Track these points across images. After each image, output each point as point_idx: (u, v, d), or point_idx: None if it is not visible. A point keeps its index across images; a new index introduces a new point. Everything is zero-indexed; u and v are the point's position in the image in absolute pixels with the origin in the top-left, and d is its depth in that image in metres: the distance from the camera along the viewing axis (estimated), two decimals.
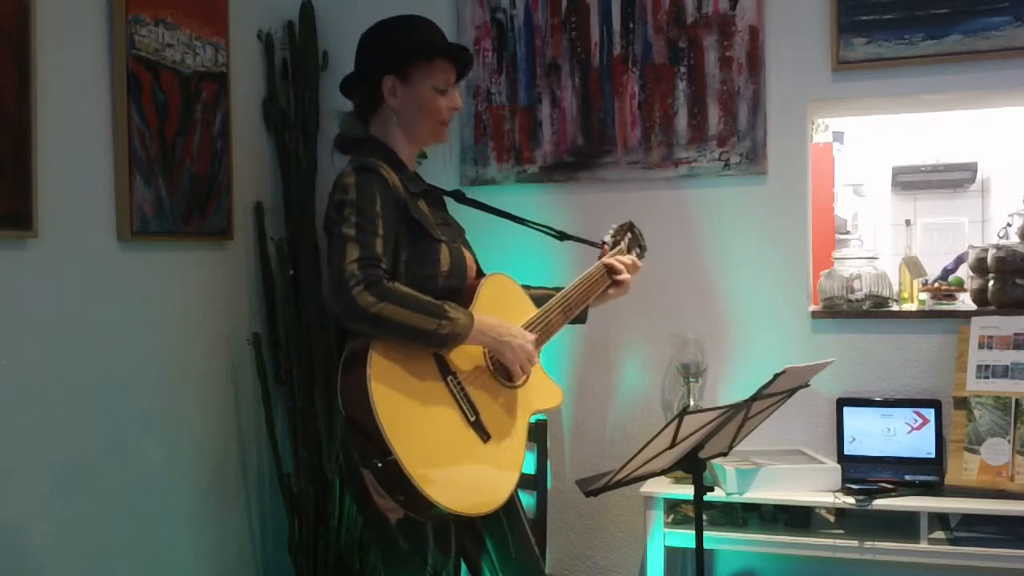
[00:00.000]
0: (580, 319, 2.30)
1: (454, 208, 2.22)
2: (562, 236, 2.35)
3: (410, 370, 1.83)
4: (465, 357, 1.92)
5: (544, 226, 2.35)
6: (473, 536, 2.06)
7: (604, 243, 2.37)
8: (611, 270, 2.28)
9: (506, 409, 1.97)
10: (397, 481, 1.75)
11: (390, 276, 1.83)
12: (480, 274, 2.11)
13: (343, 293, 1.77)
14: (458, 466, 1.84)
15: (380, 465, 1.74)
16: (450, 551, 1.95)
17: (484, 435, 1.89)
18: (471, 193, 2.30)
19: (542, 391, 2.08)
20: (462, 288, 2.00)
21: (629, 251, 2.39)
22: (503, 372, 1.98)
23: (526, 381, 2.02)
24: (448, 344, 1.85)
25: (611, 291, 2.29)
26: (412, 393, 1.82)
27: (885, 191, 4.42)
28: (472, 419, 1.88)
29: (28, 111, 2.27)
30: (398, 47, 2.03)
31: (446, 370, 1.88)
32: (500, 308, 2.01)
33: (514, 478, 1.93)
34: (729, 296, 3.00)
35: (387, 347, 1.81)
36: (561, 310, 2.14)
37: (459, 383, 1.89)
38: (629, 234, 2.43)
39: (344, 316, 1.79)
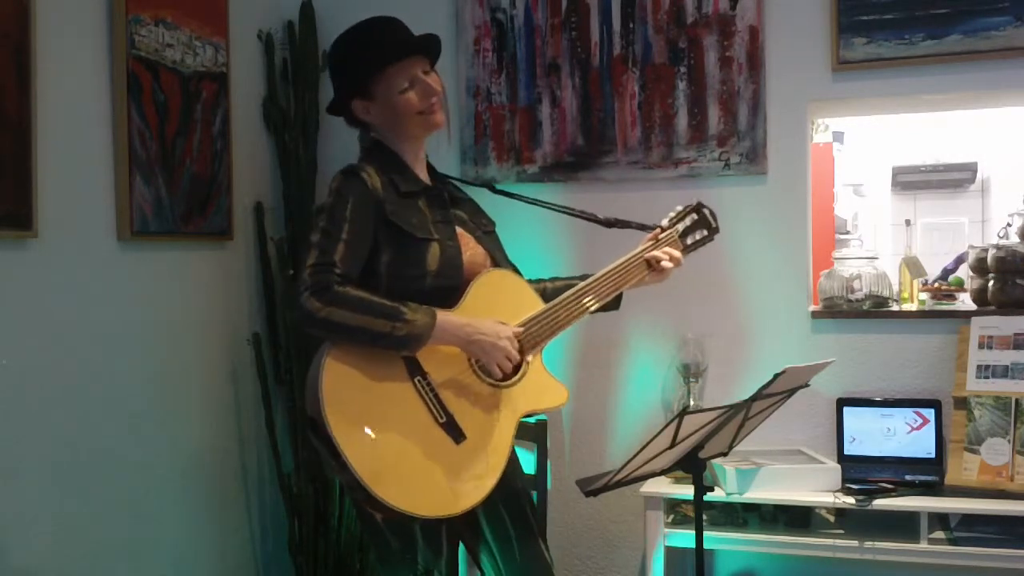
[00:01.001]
0: (613, 306, 2.22)
1: (490, 203, 2.20)
2: (610, 223, 2.27)
3: (371, 372, 1.83)
4: (442, 357, 1.90)
5: (589, 214, 2.29)
6: (472, 530, 2.06)
7: (659, 227, 2.25)
8: (652, 262, 2.18)
9: (490, 409, 1.94)
10: (353, 481, 1.76)
11: (344, 280, 1.82)
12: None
13: (296, 298, 1.80)
14: (421, 468, 1.82)
15: (335, 465, 1.77)
16: (441, 550, 1.95)
17: (458, 436, 1.87)
18: (471, 193, 2.29)
19: (541, 390, 2.04)
20: (456, 287, 1.96)
21: (685, 236, 2.26)
22: (489, 371, 1.95)
23: (520, 380, 1.99)
24: (408, 346, 1.83)
25: (648, 278, 2.19)
26: (369, 395, 1.82)
27: (885, 191, 4.42)
28: (442, 420, 1.86)
29: (28, 111, 2.27)
30: (348, 72, 2.03)
31: (415, 371, 1.87)
32: (494, 306, 1.97)
33: (491, 480, 1.90)
34: (729, 296, 3.00)
35: (346, 350, 1.82)
36: (576, 304, 2.07)
37: (428, 384, 1.87)
38: (693, 215, 2.29)
39: (298, 322, 1.82)
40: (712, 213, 2.33)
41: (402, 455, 1.81)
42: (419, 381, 1.86)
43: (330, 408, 1.76)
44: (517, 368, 1.99)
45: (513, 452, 2.12)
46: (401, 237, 1.93)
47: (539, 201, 2.28)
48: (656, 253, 2.18)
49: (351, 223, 1.87)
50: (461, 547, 2.15)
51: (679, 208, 2.30)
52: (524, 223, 2.44)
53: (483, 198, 2.24)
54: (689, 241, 2.28)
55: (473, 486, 1.87)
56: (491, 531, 2.05)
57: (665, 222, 2.27)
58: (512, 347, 1.93)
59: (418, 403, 1.86)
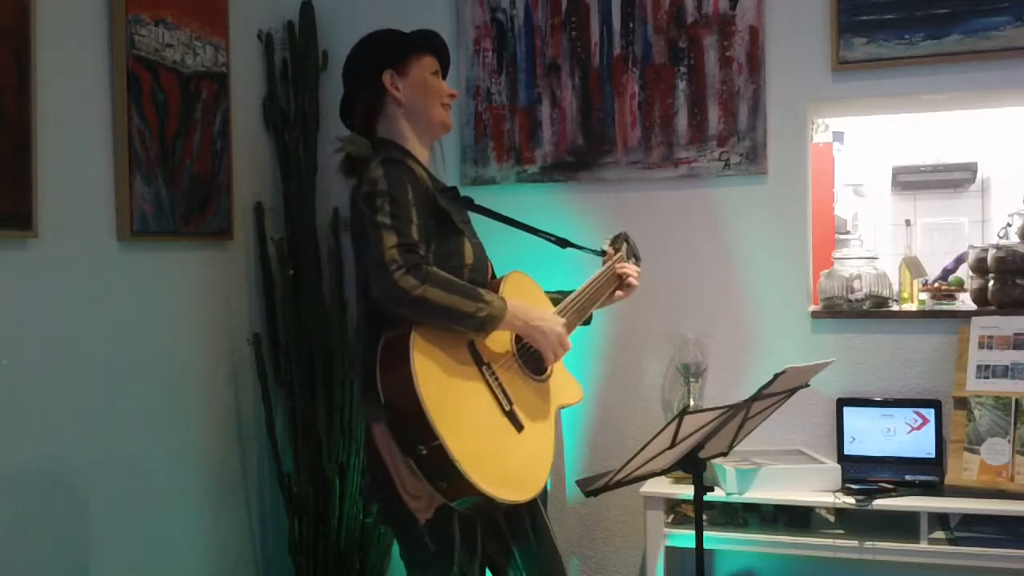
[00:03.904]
0: (586, 321, 2.31)
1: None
2: (564, 244, 2.35)
3: (450, 356, 1.85)
4: (495, 348, 1.94)
5: (546, 233, 2.34)
6: (498, 540, 2.05)
7: (607, 251, 2.38)
8: (622, 276, 2.31)
9: (535, 401, 1.99)
10: (441, 467, 1.74)
11: (427, 261, 1.85)
12: (493, 276, 2.13)
13: (385, 278, 1.78)
14: (497, 454, 1.84)
15: (425, 452, 1.74)
16: (476, 551, 1.95)
17: (518, 425, 1.90)
18: (472, 193, 2.30)
19: (565, 387, 2.11)
20: (485, 283, 2.01)
21: (627, 259, 2.41)
22: (530, 365, 1.99)
23: (550, 375, 2.04)
24: (487, 327, 1.86)
25: (618, 293, 2.32)
26: (453, 379, 1.84)
27: (885, 191, 4.42)
28: (507, 408, 1.89)
29: (28, 111, 2.27)
30: (391, 45, 2.10)
31: (479, 360, 1.90)
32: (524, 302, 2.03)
33: (546, 469, 1.94)
34: (729, 296, 3.00)
35: (427, 333, 1.82)
36: (576, 310, 2.15)
37: (493, 372, 1.91)
38: (625, 243, 2.43)
39: (388, 301, 1.80)
40: (634, 243, 2.46)
41: (484, 441, 1.83)
42: (486, 370, 1.90)
43: (425, 391, 1.75)
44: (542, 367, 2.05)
45: None
46: (446, 227, 1.97)
47: (507, 218, 2.28)
48: (626, 268, 2.32)
49: (416, 208, 1.89)
50: None
51: (611, 236, 2.42)
52: (502, 235, 2.46)
53: None
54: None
55: (532, 474, 1.91)
56: (513, 537, 2.05)
57: (607, 247, 2.39)
58: (566, 336, 1.98)
59: (487, 390, 1.89)
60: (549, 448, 1.97)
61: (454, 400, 1.81)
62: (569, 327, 2.10)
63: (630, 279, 2.32)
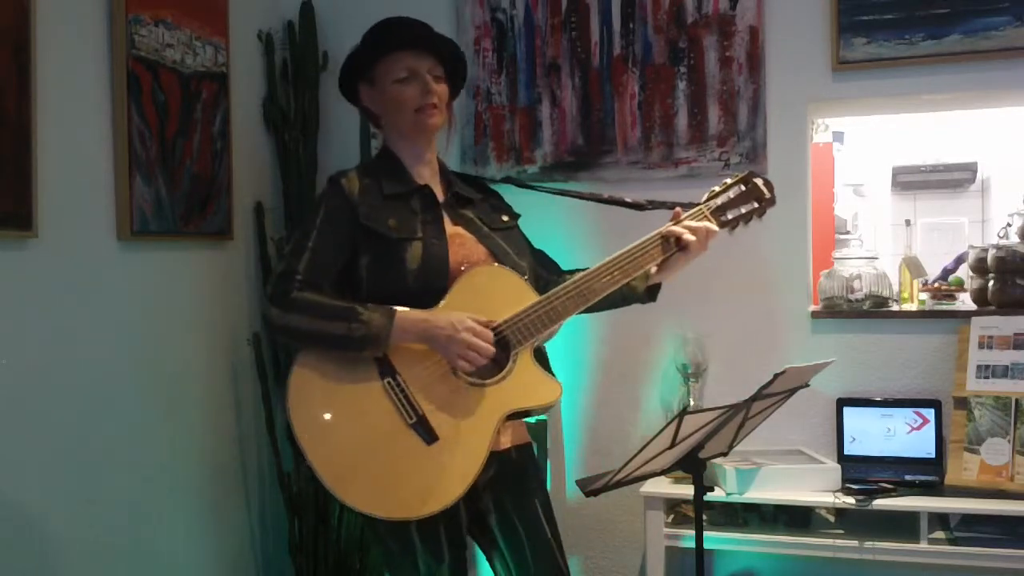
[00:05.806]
0: (647, 298, 2.12)
1: (513, 196, 2.17)
2: (640, 206, 2.12)
3: (338, 376, 1.85)
4: (418, 356, 1.87)
5: (617, 199, 2.18)
6: (485, 536, 2.04)
7: (699, 203, 2.07)
8: (669, 239, 2.01)
9: (470, 409, 1.88)
10: (321, 486, 1.82)
11: (304, 287, 1.86)
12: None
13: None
14: (387, 470, 1.83)
15: (306, 470, 1.83)
16: (441, 554, 1.92)
17: (429, 436, 1.84)
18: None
19: (531, 387, 1.93)
20: (444, 286, 1.91)
21: (724, 210, 2.07)
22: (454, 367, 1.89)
23: (506, 377, 1.91)
24: (368, 347, 1.82)
25: (681, 259, 2.03)
26: (335, 399, 1.85)
27: (885, 191, 4.42)
28: (412, 421, 1.84)
29: (28, 111, 2.27)
30: (356, 53, 2.03)
31: (386, 372, 1.86)
32: (481, 301, 1.90)
33: (466, 480, 1.86)
34: (729, 296, 2.99)
35: (316, 356, 1.86)
36: (575, 295, 1.94)
37: (398, 384, 1.85)
38: (740, 187, 2.09)
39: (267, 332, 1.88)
40: (767, 182, 2.11)
41: (367, 458, 1.83)
42: (388, 382, 1.86)
43: (295, 414, 1.82)
44: (503, 365, 1.91)
45: (531, 453, 2.11)
46: (377, 239, 1.92)
47: (565, 191, 2.22)
48: (674, 228, 2.01)
49: (319, 232, 1.91)
50: (479, 552, 2.13)
51: (727, 180, 2.11)
52: (546, 215, 2.41)
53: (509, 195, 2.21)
54: (730, 216, 2.08)
55: (445, 487, 1.85)
56: (502, 536, 2.03)
57: (705, 196, 2.09)
58: (473, 339, 1.82)
59: (387, 404, 1.85)
60: (475, 456, 1.87)
61: (332, 420, 1.84)
62: (552, 318, 1.91)
63: (684, 237, 1.98)
